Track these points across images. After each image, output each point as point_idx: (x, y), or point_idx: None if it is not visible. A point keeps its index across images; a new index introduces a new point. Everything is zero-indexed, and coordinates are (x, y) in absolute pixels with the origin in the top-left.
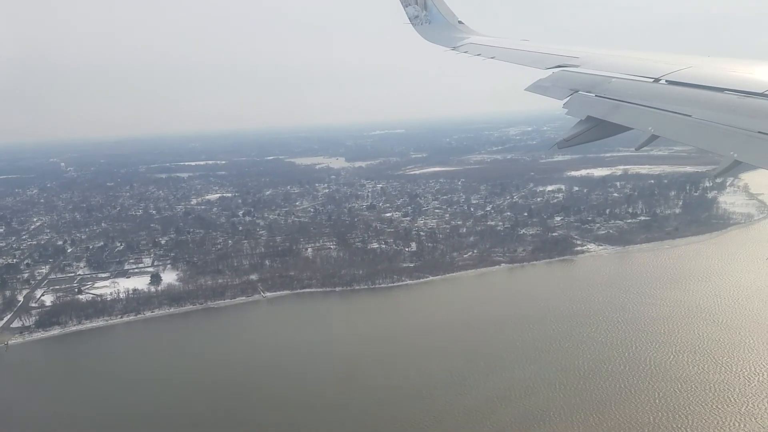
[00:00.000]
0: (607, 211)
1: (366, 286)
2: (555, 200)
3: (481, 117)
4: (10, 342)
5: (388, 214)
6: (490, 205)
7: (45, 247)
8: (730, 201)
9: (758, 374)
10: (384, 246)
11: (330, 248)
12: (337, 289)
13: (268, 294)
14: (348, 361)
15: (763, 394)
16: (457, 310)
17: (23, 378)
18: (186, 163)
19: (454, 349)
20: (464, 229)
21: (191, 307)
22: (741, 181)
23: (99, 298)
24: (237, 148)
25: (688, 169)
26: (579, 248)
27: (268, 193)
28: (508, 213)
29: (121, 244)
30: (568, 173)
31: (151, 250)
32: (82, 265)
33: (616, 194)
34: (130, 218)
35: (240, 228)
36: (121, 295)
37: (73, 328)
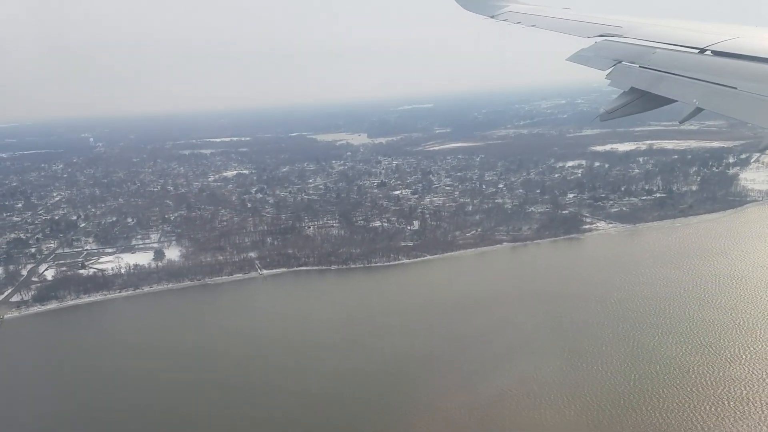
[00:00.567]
0: (623, 187)
1: (362, 265)
2: (573, 177)
3: (515, 89)
4: (6, 316)
5: (397, 192)
6: (503, 183)
7: (58, 222)
8: (751, 177)
9: (740, 357)
10: (386, 224)
11: (332, 226)
12: (333, 267)
13: (265, 271)
14: (318, 342)
15: (741, 378)
16: (443, 290)
17: (9, 353)
18: (211, 140)
19: (429, 328)
20: (470, 207)
21: (189, 283)
22: (765, 157)
23: (100, 273)
24: (263, 125)
25: (716, 144)
26: (588, 226)
27: (284, 170)
28: (521, 190)
29: (133, 220)
30: (592, 148)
31: (160, 227)
32: (90, 240)
33: (637, 170)
34: (147, 194)
35: (249, 205)
36: (122, 271)
37: (71, 303)
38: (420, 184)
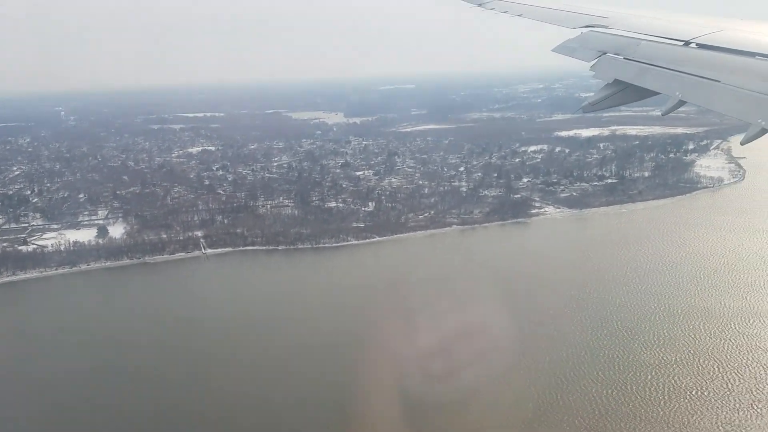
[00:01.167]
0: (575, 173)
1: (309, 246)
2: (532, 161)
3: (498, 73)
4: None
5: (360, 173)
6: (465, 166)
7: (11, 197)
8: (707, 164)
9: (654, 343)
10: (341, 205)
11: (287, 206)
12: (280, 247)
13: (209, 250)
14: (246, 320)
15: (654, 364)
16: (382, 271)
17: None
18: (185, 115)
19: (357, 308)
20: (427, 190)
21: (128, 261)
22: (726, 144)
23: (40, 250)
24: (242, 101)
25: (680, 130)
26: (536, 211)
27: (252, 147)
28: (479, 174)
29: (84, 196)
30: (557, 133)
31: (110, 203)
32: (38, 216)
33: (596, 156)
34: (106, 169)
35: (206, 183)
36: (62, 247)
37: (6, 279)
38: (383, 166)
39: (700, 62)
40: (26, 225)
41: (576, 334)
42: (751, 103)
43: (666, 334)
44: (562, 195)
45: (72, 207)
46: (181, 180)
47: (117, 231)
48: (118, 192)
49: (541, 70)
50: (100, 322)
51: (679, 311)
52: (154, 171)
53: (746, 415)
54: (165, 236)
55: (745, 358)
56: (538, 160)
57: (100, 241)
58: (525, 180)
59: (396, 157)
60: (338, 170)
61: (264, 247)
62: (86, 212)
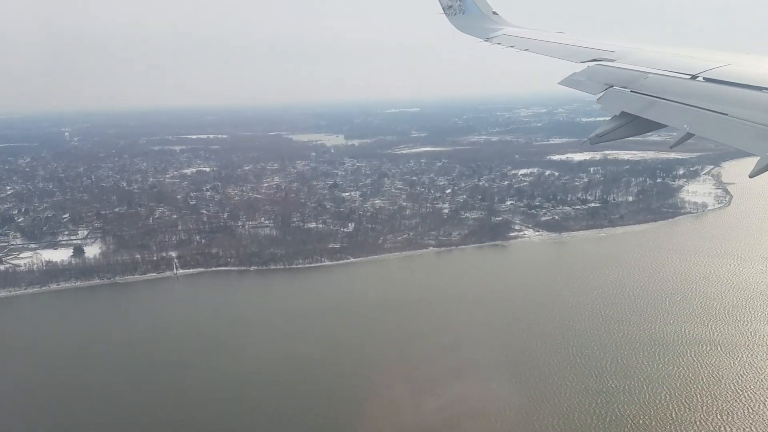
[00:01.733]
0: (559, 196)
1: (282, 267)
2: (520, 184)
3: (503, 97)
4: None
5: (347, 194)
6: (452, 188)
7: None
8: (693, 189)
9: (607, 370)
10: (321, 226)
11: (266, 226)
12: (253, 268)
13: (181, 271)
14: (202, 343)
15: (604, 391)
16: (349, 294)
17: None
18: (188, 136)
19: (316, 334)
20: (408, 211)
21: (98, 281)
22: (717, 169)
23: (12, 269)
24: (248, 123)
25: (672, 156)
26: (515, 233)
27: (246, 168)
28: (464, 196)
29: (67, 216)
30: (550, 157)
31: (92, 223)
32: (19, 235)
33: (586, 179)
34: (97, 190)
35: (192, 203)
36: (35, 267)
37: None
38: (371, 187)
39: (708, 96)
40: (5, 245)
41: (517, 361)
42: (759, 136)
43: (620, 361)
44: (543, 218)
45: (53, 227)
46: (169, 200)
47: (93, 251)
48: (102, 212)
49: (546, 96)
50: (60, 341)
51: (637, 339)
52: (144, 191)
53: None
54: (139, 256)
55: (695, 388)
56: (526, 183)
57: (74, 261)
58: (508, 203)
59: (385, 178)
60: (325, 191)
61: (236, 268)
62: (66, 232)
